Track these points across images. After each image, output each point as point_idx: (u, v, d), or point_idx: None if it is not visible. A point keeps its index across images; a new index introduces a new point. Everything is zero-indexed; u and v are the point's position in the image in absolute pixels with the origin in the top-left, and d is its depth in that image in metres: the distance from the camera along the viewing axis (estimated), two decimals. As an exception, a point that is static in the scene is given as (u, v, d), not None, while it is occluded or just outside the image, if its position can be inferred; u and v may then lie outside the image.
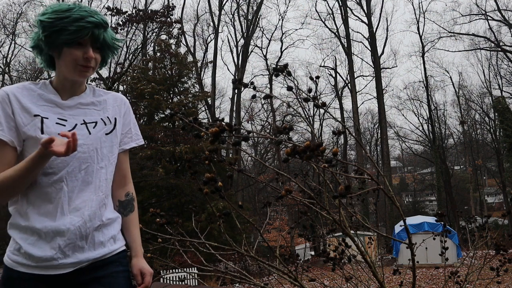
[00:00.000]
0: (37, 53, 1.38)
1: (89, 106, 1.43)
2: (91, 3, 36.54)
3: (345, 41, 29.06)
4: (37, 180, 1.29)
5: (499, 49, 28.41)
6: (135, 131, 1.56)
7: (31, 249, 1.26)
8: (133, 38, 28.56)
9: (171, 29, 21.77)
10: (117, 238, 1.44)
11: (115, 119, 1.48)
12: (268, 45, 43.70)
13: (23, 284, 1.26)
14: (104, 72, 27.94)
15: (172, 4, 16.73)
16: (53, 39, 1.30)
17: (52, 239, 1.28)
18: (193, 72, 22.94)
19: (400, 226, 14.71)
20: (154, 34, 26.49)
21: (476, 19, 29.11)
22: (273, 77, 29.68)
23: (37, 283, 1.27)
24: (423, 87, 31.71)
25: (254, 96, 1.32)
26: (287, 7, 79.07)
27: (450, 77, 47.25)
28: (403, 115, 65.77)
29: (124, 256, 1.46)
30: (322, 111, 29.63)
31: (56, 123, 1.33)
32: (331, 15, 31.20)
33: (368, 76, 32.25)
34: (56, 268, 1.28)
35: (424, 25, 53.12)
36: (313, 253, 12.69)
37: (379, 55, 28.70)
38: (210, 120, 21.97)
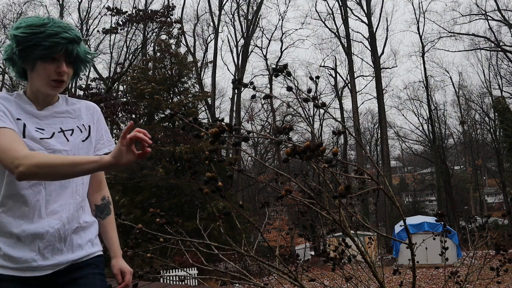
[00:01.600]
0: (10, 65, 1.39)
1: (64, 114, 1.46)
2: (91, 3, 36.57)
3: (345, 41, 29.07)
4: (13, 180, 1.30)
5: (499, 49, 28.41)
6: (106, 138, 1.56)
7: (10, 251, 1.28)
8: (133, 38, 28.59)
9: (171, 29, 21.76)
10: (94, 242, 1.47)
11: (89, 126, 1.50)
12: (268, 45, 43.71)
13: (2, 286, 1.28)
14: (104, 72, 27.96)
15: (172, 4, 16.72)
16: (27, 53, 1.31)
17: (32, 241, 1.30)
18: (193, 72, 22.95)
19: (400, 226, 14.70)
20: (154, 34, 26.48)
21: (476, 19, 29.14)
22: (273, 77, 29.66)
23: (16, 285, 1.28)
24: (423, 87, 31.74)
25: (254, 96, 1.32)
26: (287, 7, 79.13)
27: (450, 77, 47.27)
28: (403, 115, 65.76)
29: (101, 261, 1.49)
30: (322, 111, 29.62)
31: (35, 130, 1.36)
32: (331, 15, 31.20)
33: (368, 76, 32.26)
34: (35, 270, 1.30)
35: (424, 25, 53.07)
36: (313, 253, 12.69)
37: (379, 55, 28.71)
38: (210, 120, 21.98)
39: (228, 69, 55.91)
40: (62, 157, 1.26)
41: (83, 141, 1.45)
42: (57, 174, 1.21)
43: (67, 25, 1.34)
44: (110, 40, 29.39)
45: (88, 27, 29.66)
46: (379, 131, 31.11)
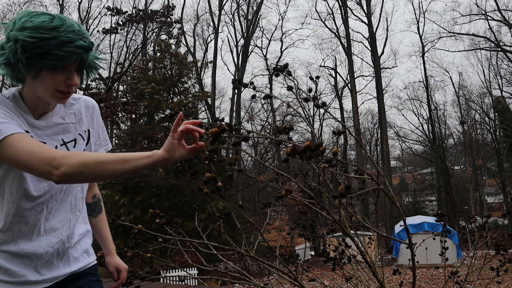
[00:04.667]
0: (7, 69, 1.19)
1: (65, 123, 1.34)
2: (91, 3, 36.58)
3: (345, 41, 29.07)
4: (16, 201, 1.23)
5: (499, 49, 28.42)
6: (103, 137, 1.49)
7: (8, 265, 1.24)
8: (133, 38, 28.60)
9: (171, 29, 21.77)
10: (89, 252, 1.45)
11: (88, 131, 1.42)
12: (268, 45, 43.60)
13: None
14: (104, 72, 27.93)
15: (172, 4, 16.72)
16: (33, 61, 1.14)
17: (29, 258, 1.26)
18: (193, 72, 22.96)
19: (400, 226, 14.70)
20: (154, 34, 26.50)
21: (476, 19, 29.16)
22: (273, 77, 29.69)
23: None
24: (423, 87, 31.75)
25: (254, 96, 1.32)
26: (287, 7, 79.13)
27: (450, 77, 47.27)
28: (403, 115, 65.79)
29: (97, 269, 1.48)
30: (322, 111, 29.63)
31: None
32: (331, 15, 31.20)
33: (368, 76, 32.29)
34: (33, 284, 1.27)
35: (424, 25, 53.01)
36: (313, 253, 12.70)
37: (379, 55, 28.71)
38: (210, 120, 21.94)
39: (228, 69, 55.93)
40: (107, 155, 1.12)
41: (83, 150, 1.38)
42: (106, 173, 1.08)
43: (80, 29, 1.18)
44: (110, 40, 29.39)
45: (88, 27, 29.66)
46: (379, 131, 31.13)
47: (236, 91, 26.68)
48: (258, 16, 30.25)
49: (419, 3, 51.08)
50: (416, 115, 45.44)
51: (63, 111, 1.34)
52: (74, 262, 1.37)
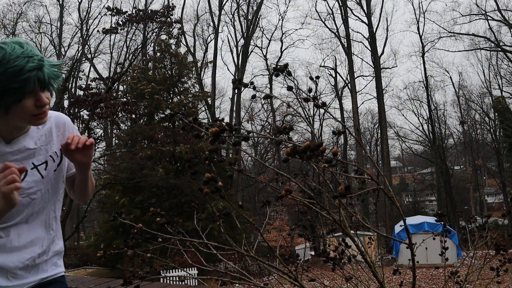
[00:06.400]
0: None
1: (36, 147, 1.33)
2: (91, 3, 36.58)
3: (345, 41, 29.10)
4: None
5: (499, 49, 28.43)
6: None
7: None
8: (133, 38, 28.63)
9: (171, 29, 21.78)
10: (58, 264, 1.47)
11: (61, 150, 1.40)
12: (268, 45, 43.67)
13: None
14: (104, 72, 27.94)
15: (172, 4, 16.73)
16: None
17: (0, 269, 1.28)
18: (193, 72, 22.98)
19: (400, 226, 14.70)
20: (154, 34, 26.52)
21: (476, 19, 29.18)
22: (273, 77, 29.69)
23: None
24: (423, 87, 31.77)
25: (254, 96, 1.32)
26: (287, 7, 79.15)
27: (450, 77, 47.27)
28: (403, 115, 65.82)
29: (65, 279, 1.50)
30: (322, 111, 29.63)
31: None
32: (331, 15, 31.24)
33: (368, 76, 32.32)
34: None
35: (424, 25, 53.01)
36: (313, 253, 12.69)
37: (379, 55, 28.73)
38: (210, 120, 21.98)
39: (228, 69, 55.95)
40: None
41: (54, 170, 1.38)
42: None
43: (23, 49, 1.12)
44: (110, 40, 29.44)
45: (88, 27, 29.69)
46: (379, 131, 31.14)
47: (236, 91, 26.69)
48: (258, 16, 30.28)
49: (419, 3, 51.12)
50: (416, 115, 45.49)
51: (35, 132, 1.33)
52: (42, 273, 1.38)
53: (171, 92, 21.34)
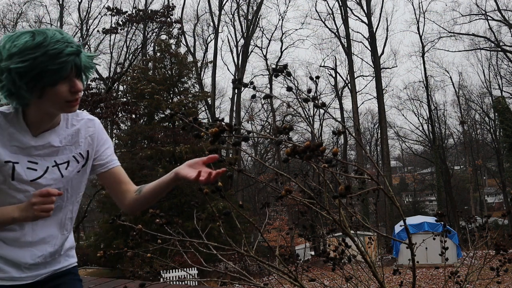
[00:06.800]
0: (9, 98, 1.19)
1: (61, 146, 1.34)
2: (91, 3, 36.57)
3: (345, 41, 29.09)
4: None
5: (499, 49, 28.43)
6: (107, 154, 1.46)
7: None
8: (133, 38, 28.62)
9: (171, 29, 21.80)
10: (70, 255, 1.48)
11: (88, 152, 1.40)
12: (268, 45, 43.67)
13: None
14: (104, 72, 27.95)
15: (172, 4, 16.74)
16: (34, 84, 1.14)
17: (12, 262, 1.30)
18: (193, 72, 22.98)
19: (400, 226, 14.71)
20: (154, 34, 26.54)
21: (476, 19, 29.19)
22: (273, 77, 29.63)
23: None
24: (423, 87, 31.78)
25: (254, 96, 1.32)
26: (287, 7, 79.15)
27: (450, 77, 47.28)
28: (403, 115, 65.80)
29: (77, 271, 1.51)
30: (322, 111, 29.62)
31: (27, 167, 1.27)
32: (331, 15, 31.24)
33: (368, 76, 32.32)
34: (16, 280, 1.31)
35: (424, 25, 53.01)
36: (313, 253, 12.69)
37: (379, 55, 28.73)
38: (210, 120, 21.99)
39: (228, 69, 55.93)
40: None
41: (78, 172, 1.38)
42: None
43: (63, 35, 1.17)
44: (110, 40, 29.42)
45: (88, 27, 29.69)
46: (379, 131, 31.15)
47: (236, 91, 26.69)
48: (258, 16, 30.28)
49: (419, 3, 51.11)
50: (416, 115, 45.50)
51: (63, 130, 1.35)
52: (55, 264, 1.41)
53: (171, 92, 21.33)
